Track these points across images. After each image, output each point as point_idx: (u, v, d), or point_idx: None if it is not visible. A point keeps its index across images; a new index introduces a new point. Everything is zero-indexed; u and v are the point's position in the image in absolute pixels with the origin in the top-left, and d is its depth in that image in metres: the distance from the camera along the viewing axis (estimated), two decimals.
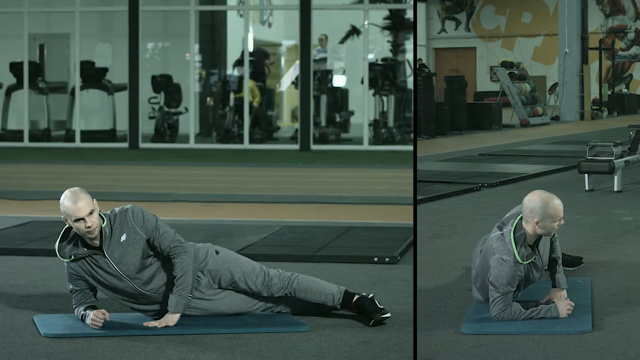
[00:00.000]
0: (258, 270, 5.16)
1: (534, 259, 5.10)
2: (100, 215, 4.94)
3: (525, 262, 5.02)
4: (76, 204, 4.84)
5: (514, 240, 5.01)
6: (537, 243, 5.10)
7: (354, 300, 5.14)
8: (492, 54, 35.41)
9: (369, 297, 5.12)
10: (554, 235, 5.23)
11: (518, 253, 5.00)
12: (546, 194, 5.04)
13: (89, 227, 4.85)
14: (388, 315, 5.04)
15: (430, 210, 9.03)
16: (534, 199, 5.01)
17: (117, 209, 5.02)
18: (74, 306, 5.04)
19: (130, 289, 4.99)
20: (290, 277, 5.17)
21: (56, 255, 5.02)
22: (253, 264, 5.20)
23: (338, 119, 18.47)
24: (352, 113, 18.88)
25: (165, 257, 5.03)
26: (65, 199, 4.88)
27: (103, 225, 4.92)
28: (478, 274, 5.27)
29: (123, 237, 4.94)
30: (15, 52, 18.69)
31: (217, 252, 5.16)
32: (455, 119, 20.39)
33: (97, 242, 4.94)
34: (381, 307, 5.05)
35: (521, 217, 5.06)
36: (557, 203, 5.01)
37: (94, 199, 4.94)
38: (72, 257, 4.97)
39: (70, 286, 5.05)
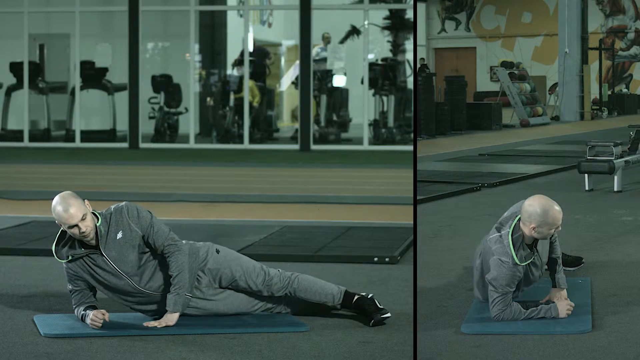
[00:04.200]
0: (258, 270, 5.16)
1: (533, 258, 5.10)
2: (94, 214, 4.94)
3: (523, 263, 5.02)
4: (67, 212, 4.83)
5: (512, 242, 5.00)
6: (535, 243, 5.10)
7: (354, 300, 5.14)
8: (492, 54, 35.41)
9: (369, 297, 5.12)
10: (553, 236, 5.21)
11: (516, 254, 4.99)
12: (547, 200, 4.99)
13: (83, 232, 4.86)
14: (388, 315, 5.04)
15: (430, 210, 9.03)
16: (534, 205, 4.97)
17: (112, 207, 5.01)
18: (74, 306, 5.04)
19: (130, 287, 4.98)
20: (290, 276, 5.17)
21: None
22: (254, 263, 5.21)
23: (336, 118, 18.39)
24: (349, 140, 18.70)
25: (162, 255, 5.03)
26: (56, 206, 4.87)
27: (98, 224, 4.92)
28: (479, 275, 5.27)
29: (119, 235, 4.94)
30: (15, 52, 18.68)
31: (217, 251, 5.16)
32: (455, 119, 20.38)
33: (93, 242, 4.94)
34: (381, 307, 5.06)
35: (519, 218, 5.05)
36: (556, 211, 4.96)
37: (86, 200, 4.94)
38: (70, 258, 4.98)
39: (70, 286, 5.04)
